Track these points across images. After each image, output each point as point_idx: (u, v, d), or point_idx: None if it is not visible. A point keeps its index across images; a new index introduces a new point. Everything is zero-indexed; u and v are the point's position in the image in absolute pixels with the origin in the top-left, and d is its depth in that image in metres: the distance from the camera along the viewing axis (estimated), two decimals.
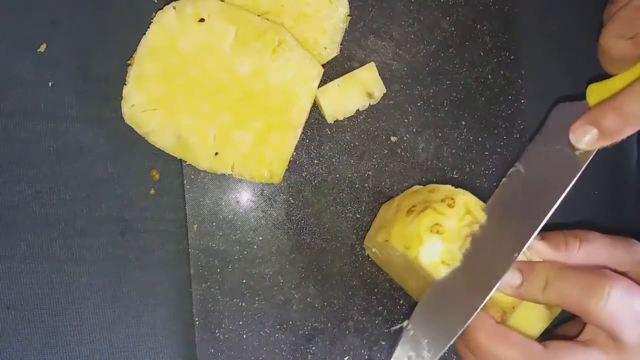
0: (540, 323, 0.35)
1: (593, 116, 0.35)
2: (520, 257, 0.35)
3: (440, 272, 0.35)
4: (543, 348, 0.32)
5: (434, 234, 0.35)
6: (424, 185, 0.40)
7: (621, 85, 0.34)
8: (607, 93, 0.35)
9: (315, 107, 0.42)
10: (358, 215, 0.43)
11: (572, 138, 0.36)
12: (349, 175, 0.43)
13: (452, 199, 0.35)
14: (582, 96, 0.39)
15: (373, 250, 0.41)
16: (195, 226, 0.41)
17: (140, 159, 0.42)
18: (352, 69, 0.42)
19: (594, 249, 0.34)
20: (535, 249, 0.35)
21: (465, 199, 0.36)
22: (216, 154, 0.38)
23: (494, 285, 0.33)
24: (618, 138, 0.34)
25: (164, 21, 0.37)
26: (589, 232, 0.35)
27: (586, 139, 0.35)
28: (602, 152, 0.47)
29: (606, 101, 0.35)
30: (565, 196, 0.46)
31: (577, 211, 0.46)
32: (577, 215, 0.46)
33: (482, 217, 0.35)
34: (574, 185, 0.46)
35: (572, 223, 0.46)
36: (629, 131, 0.34)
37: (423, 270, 0.35)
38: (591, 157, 0.36)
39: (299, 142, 0.40)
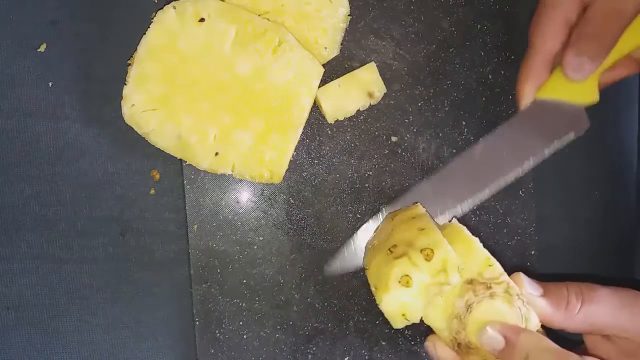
0: None
1: (574, 49, 0.38)
2: (516, 312, 0.34)
3: (398, 323, 0.34)
4: None
5: (402, 285, 0.34)
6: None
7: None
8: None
9: (316, 107, 0.42)
10: (358, 216, 0.43)
11: (570, 72, 0.38)
12: (350, 176, 0.43)
13: (432, 250, 0.34)
14: None
15: None
16: (195, 226, 0.41)
17: (140, 159, 0.42)
18: (352, 68, 0.42)
19: (596, 311, 0.34)
20: (533, 305, 0.34)
21: (445, 256, 0.34)
22: (216, 154, 0.38)
23: None
24: (603, 53, 0.38)
25: (164, 21, 0.37)
26: (596, 289, 0.34)
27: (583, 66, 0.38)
28: (603, 152, 0.47)
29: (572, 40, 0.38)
30: (566, 196, 0.46)
31: (577, 211, 0.46)
32: (576, 215, 0.46)
33: (455, 279, 0.34)
34: (574, 185, 0.46)
35: (573, 224, 0.46)
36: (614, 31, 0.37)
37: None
38: None
39: (299, 142, 0.40)
